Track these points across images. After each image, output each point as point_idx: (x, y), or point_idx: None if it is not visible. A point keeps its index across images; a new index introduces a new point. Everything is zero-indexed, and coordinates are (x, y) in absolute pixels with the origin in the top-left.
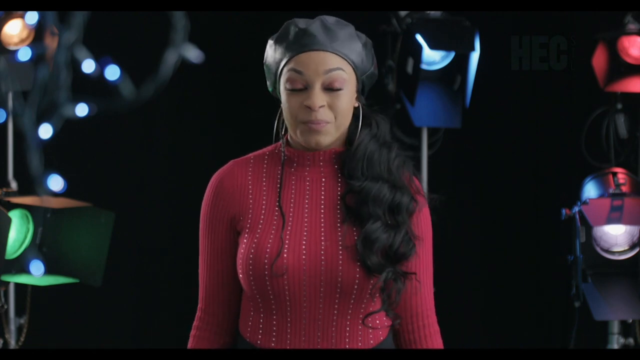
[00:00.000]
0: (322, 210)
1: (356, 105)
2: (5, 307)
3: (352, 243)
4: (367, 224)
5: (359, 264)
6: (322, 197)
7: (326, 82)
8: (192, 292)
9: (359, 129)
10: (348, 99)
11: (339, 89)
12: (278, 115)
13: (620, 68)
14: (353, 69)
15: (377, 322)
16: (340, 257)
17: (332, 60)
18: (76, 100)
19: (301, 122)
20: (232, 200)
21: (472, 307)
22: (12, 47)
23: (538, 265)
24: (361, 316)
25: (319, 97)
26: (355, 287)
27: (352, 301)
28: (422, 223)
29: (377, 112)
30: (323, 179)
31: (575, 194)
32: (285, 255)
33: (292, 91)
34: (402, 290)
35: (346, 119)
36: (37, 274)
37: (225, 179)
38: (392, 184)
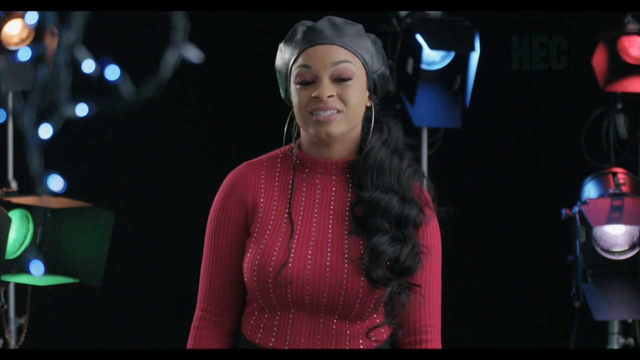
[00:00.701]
0: (331, 221)
1: (368, 104)
2: (5, 307)
3: (358, 256)
4: (375, 237)
5: (363, 276)
6: (332, 207)
7: (334, 74)
8: (192, 292)
9: (371, 130)
10: (358, 92)
11: (348, 79)
12: (290, 118)
13: (620, 68)
14: (362, 64)
15: (383, 333)
16: (345, 269)
17: (339, 52)
18: (76, 100)
19: (310, 114)
20: (245, 201)
21: (472, 307)
22: (12, 47)
23: (538, 265)
24: (360, 322)
25: (328, 88)
26: (359, 300)
27: (355, 310)
28: (430, 236)
29: (390, 117)
30: (334, 188)
31: (575, 194)
32: (290, 265)
33: (301, 85)
34: (406, 304)
35: (357, 112)
36: (37, 274)
37: (238, 180)
38: (402, 196)
